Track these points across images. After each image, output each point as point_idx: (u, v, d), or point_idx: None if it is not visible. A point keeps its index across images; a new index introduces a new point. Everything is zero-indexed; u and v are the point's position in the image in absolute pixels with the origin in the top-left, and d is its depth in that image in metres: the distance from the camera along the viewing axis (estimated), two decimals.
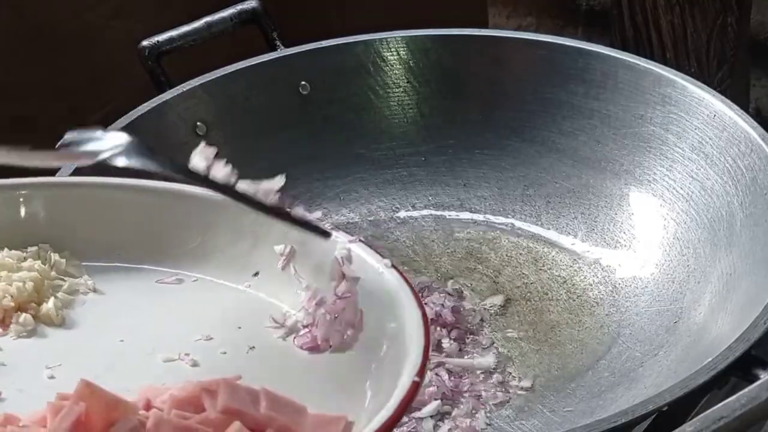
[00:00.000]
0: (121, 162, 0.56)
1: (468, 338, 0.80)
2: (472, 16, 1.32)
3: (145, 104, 0.86)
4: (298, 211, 0.56)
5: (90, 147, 0.57)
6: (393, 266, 0.56)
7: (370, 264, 0.57)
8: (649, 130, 0.86)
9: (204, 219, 0.61)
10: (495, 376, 0.77)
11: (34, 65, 1.01)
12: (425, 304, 0.81)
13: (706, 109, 0.83)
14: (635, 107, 0.87)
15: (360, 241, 0.58)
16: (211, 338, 0.57)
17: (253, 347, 0.57)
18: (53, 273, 0.61)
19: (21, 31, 1.00)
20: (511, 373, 0.77)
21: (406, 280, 0.55)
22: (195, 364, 0.56)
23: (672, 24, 1.23)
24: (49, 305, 0.59)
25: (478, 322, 0.81)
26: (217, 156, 0.58)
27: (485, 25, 1.37)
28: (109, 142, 0.57)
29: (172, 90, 0.88)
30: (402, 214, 0.93)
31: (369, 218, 0.92)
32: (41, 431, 0.47)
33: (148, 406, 0.49)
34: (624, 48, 1.22)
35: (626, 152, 0.88)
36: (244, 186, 0.57)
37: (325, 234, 0.56)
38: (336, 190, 0.93)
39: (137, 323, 0.59)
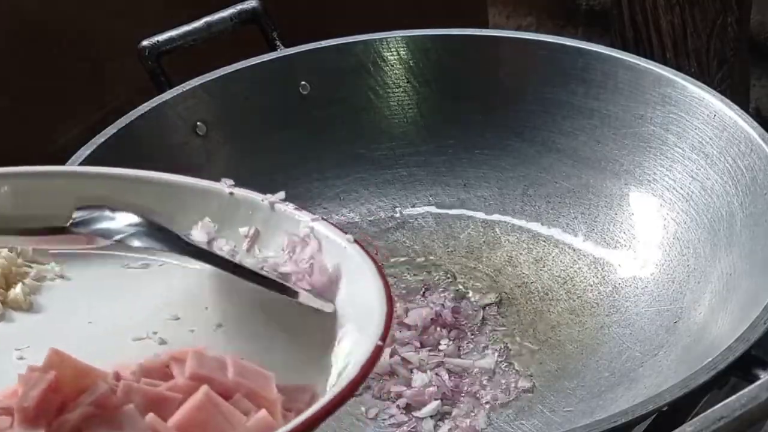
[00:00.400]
0: (135, 243, 0.57)
1: (468, 338, 0.80)
2: (472, 16, 1.33)
3: (145, 104, 0.86)
4: (302, 286, 0.57)
5: (103, 226, 0.58)
6: (355, 241, 0.57)
7: (333, 240, 0.57)
8: (649, 130, 0.86)
9: (169, 204, 0.61)
10: (495, 376, 0.77)
11: (34, 65, 1.01)
12: (426, 304, 0.82)
13: (706, 109, 0.83)
14: (635, 107, 0.87)
15: (322, 219, 0.59)
16: (179, 318, 0.58)
17: (221, 325, 0.57)
18: (20, 260, 0.62)
19: (21, 31, 1.00)
20: (511, 373, 0.77)
21: (368, 254, 0.56)
22: (163, 342, 0.56)
23: (672, 24, 1.23)
24: (16, 290, 0.59)
25: (478, 322, 0.81)
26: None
27: (485, 25, 1.37)
28: (122, 222, 0.58)
29: (172, 90, 0.88)
30: (402, 214, 0.93)
31: (369, 218, 0.92)
32: (12, 401, 0.47)
33: (117, 378, 0.49)
34: (624, 48, 1.22)
35: (626, 152, 0.88)
36: (250, 261, 0.58)
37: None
38: (336, 190, 0.93)
39: (105, 306, 0.59)
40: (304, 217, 0.59)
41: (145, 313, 0.58)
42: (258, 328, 0.57)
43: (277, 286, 0.56)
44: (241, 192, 0.61)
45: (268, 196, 0.60)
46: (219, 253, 0.58)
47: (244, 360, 0.51)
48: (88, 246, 0.59)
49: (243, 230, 0.60)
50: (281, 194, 0.60)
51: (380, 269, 0.55)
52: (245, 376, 0.49)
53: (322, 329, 0.55)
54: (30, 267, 0.62)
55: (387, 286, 0.54)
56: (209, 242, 0.59)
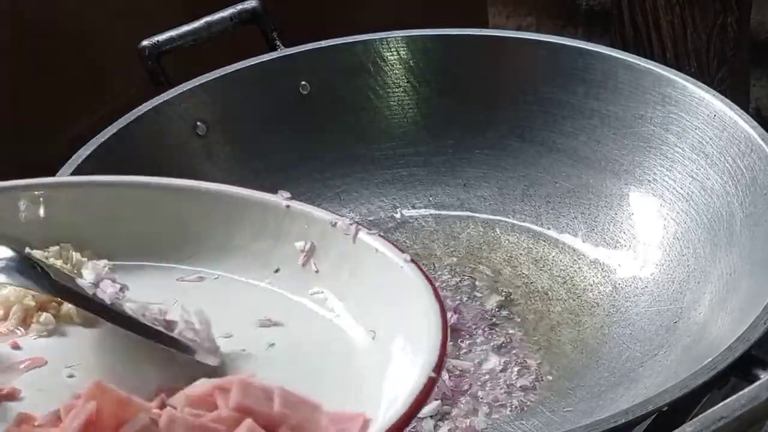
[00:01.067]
0: (1, 278, 0.55)
1: (468, 338, 0.80)
2: (472, 16, 1.33)
3: (145, 104, 0.86)
4: (184, 335, 0.54)
5: None
6: (412, 261, 0.56)
7: (390, 258, 0.56)
8: (649, 130, 0.86)
9: (226, 217, 0.62)
10: (495, 376, 0.77)
11: (34, 65, 1.01)
12: None
13: (706, 109, 0.83)
14: (635, 107, 0.87)
15: (380, 235, 0.58)
16: (231, 336, 0.57)
17: (273, 344, 0.56)
18: (75, 271, 0.60)
19: (21, 30, 1.00)
20: (511, 373, 0.77)
21: (426, 275, 0.55)
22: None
23: (672, 24, 1.23)
24: (69, 304, 0.58)
25: (478, 322, 0.81)
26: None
27: (485, 25, 1.37)
28: None
29: (172, 90, 0.88)
30: (402, 214, 0.93)
31: (369, 218, 0.92)
32: (54, 431, 0.47)
33: (162, 405, 0.48)
34: (624, 48, 1.22)
35: (626, 152, 0.88)
36: (131, 306, 0.56)
37: (189, 351, 0.55)
38: (336, 190, 0.93)
39: (155, 315, 0.58)
40: (363, 233, 0.58)
41: None
42: (310, 350, 0.56)
43: (159, 336, 0.54)
44: (297, 205, 0.60)
45: (328, 213, 0.59)
46: (100, 296, 0.55)
47: (292, 388, 0.49)
48: None
49: (299, 245, 0.60)
50: (345, 220, 0.59)
51: (437, 293, 0.53)
52: (292, 406, 0.48)
53: (374, 353, 0.54)
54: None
55: (443, 312, 0.52)
56: (96, 283, 0.56)
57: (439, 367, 0.48)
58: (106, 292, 0.56)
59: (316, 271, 0.59)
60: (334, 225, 0.58)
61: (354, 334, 0.56)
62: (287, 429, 0.47)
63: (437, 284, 0.84)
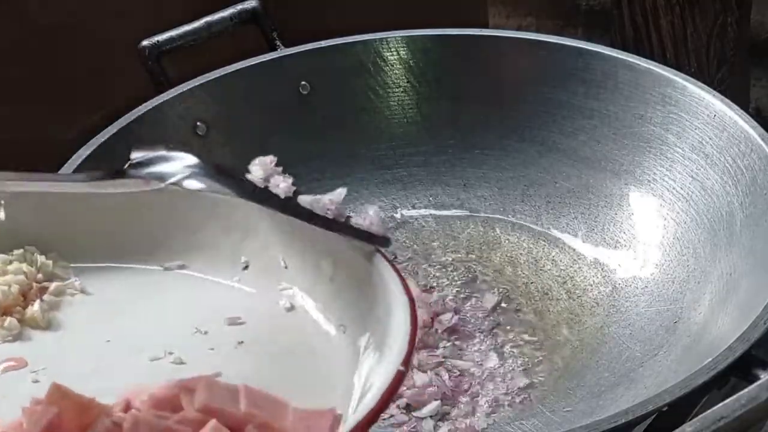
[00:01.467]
0: (191, 185, 0.56)
1: (468, 338, 0.80)
2: (472, 16, 1.32)
3: (145, 104, 0.86)
4: (356, 222, 0.55)
5: (158, 169, 0.57)
6: (379, 251, 0.54)
7: (357, 250, 0.55)
8: (649, 130, 0.86)
9: (192, 215, 0.61)
10: (495, 376, 0.77)
11: (34, 65, 1.01)
12: (426, 304, 0.82)
13: (706, 109, 0.83)
14: (635, 107, 0.87)
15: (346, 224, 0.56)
16: (199, 335, 0.57)
17: (242, 342, 0.56)
18: (40, 275, 0.60)
19: (21, 30, 1.00)
20: (510, 373, 0.77)
21: (393, 267, 0.54)
22: (181, 362, 0.55)
23: (672, 24, 1.23)
24: (35, 308, 0.58)
25: (477, 323, 0.81)
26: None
27: (485, 25, 1.37)
28: (178, 164, 0.57)
29: (172, 90, 0.88)
30: (402, 214, 0.93)
31: None
32: None
33: (127, 407, 0.48)
34: (624, 48, 1.22)
35: (626, 152, 0.88)
36: (305, 199, 0.56)
37: (386, 241, 0.55)
38: None
39: (124, 323, 0.58)
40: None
41: (163, 330, 0.57)
42: (279, 347, 0.56)
43: (337, 225, 0.54)
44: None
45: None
46: (275, 191, 0.56)
47: (260, 385, 0.49)
48: (144, 188, 0.57)
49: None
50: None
51: (405, 285, 0.52)
52: (259, 405, 0.47)
53: (344, 348, 0.54)
54: (50, 282, 0.60)
55: (413, 305, 0.51)
56: (266, 178, 0.57)
57: (407, 361, 0.48)
58: (279, 186, 0.56)
59: (285, 267, 0.59)
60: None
61: (323, 329, 0.56)
62: (254, 428, 0.47)
63: (437, 285, 0.85)
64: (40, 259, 0.61)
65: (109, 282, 0.61)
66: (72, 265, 0.62)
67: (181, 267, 0.61)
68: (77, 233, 0.62)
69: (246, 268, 0.60)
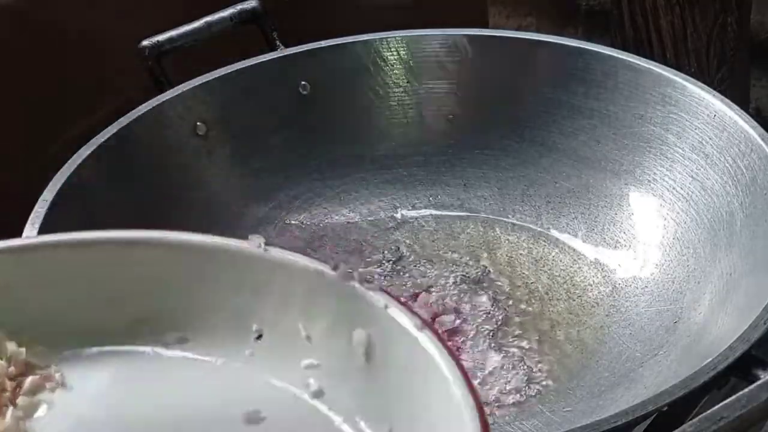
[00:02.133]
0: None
1: (467, 339, 0.80)
2: (472, 16, 1.32)
3: (145, 104, 0.86)
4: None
5: None
6: (426, 325, 0.43)
7: (399, 323, 0.44)
8: (649, 130, 0.86)
9: (192, 271, 0.49)
10: (495, 376, 0.77)
11: (34, 65, 1.01)
12: (426, 305, 0.82)
13: (706, 109, 0.83)
14: (635, 107, 0.87)
15: (382, 289, 0.46)
16: None
17: None
18: (11, 369, 0.48)
19: (21, 30, 1.00)
20: (510, 373, 0.77)
21: (448, 349, 0.42)
22: None
23: (672, 24, 1.23)
24: (6, 420, 0.46)
25: (477, 323, 0.81)
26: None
27: (485, 25, 1.37)
28: None
29: (172, 90, 0.88)
30: (402, 214, 0.93)
31: (369, 218, 0.92)
32: None
33: None
34: (624, 48, 1.22)
35: (626, 152, 0.88)
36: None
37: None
38: (336, 190, 0.93)
39: (111, 427, 0.47)
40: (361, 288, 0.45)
41: None
42: None
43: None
44: (276, 252, 0.47)
45: (312, 260, 0.47)
46: None
47: None
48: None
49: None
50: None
51: (462, 369, 0.40)
52: None
53: None
54: (23, 377, 0.48)
55: (476, 396, 0.39)
56: None
57: None
58: None
59: (307, 337, 0.47)
60: (322, 274, 0.46)
61: (360, 427, 0.45)
62: None
63: (437, 285, 0.85)
64: (10, 346, 0.48)
65: (93, 371, 0.49)
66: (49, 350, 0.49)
67: (182, 341, 0.50)
68: (53, 307, 0.49)
69: (259, 337, 0.49)
